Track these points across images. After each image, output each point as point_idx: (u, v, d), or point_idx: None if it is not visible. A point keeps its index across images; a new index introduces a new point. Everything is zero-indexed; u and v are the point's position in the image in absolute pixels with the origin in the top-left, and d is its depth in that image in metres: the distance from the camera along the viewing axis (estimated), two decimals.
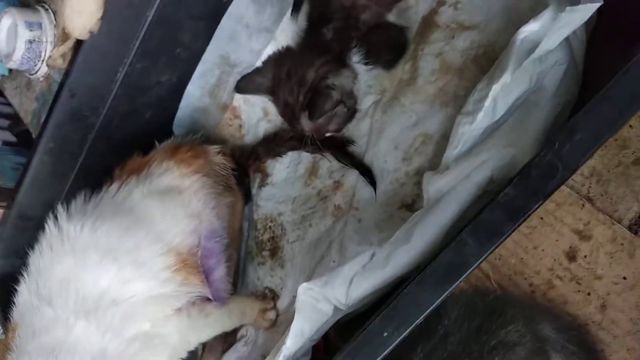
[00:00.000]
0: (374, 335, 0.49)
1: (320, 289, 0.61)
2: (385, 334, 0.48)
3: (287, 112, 0.80)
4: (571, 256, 0.67)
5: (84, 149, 0.92)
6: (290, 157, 0.94)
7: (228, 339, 0.96)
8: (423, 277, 0.47)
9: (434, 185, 0.62)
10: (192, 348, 0.81)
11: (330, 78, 0.75)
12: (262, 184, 0.97)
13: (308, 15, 0.80)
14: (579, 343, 0.63)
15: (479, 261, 0.45)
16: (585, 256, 0.67)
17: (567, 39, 0.53)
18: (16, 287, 0.76)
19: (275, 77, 0.80)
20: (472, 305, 0.62)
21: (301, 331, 0.60)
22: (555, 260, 0.69)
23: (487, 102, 0.53)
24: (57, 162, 0.95)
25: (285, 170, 0.95)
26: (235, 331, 0.96)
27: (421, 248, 0.57)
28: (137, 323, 0.72)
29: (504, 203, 0.45)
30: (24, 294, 0.73)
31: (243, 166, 0.96)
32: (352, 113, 0.79)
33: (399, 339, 0.47)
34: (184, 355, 0.80)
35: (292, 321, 0.86)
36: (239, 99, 0.97)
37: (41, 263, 0.73)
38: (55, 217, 0.76)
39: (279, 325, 0.90)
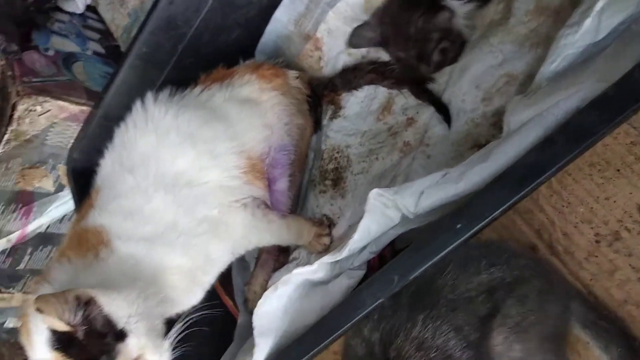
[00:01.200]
0: (445, 228, 0.51)
1: (391, 195, 0.63)
2: (458, 226, 0.49)
3: (402, 65, 0.85)
4: None
5: (173, 58, 0.97)
6: (365, 91, 0.95)
7: (280, 257, 1.01)
8: (504, 175, 0.48)
9: (517, 114, 0.62)
10: (250, 248, 0.86)
11: (429, 24, 0.78)
12: (334, 116, 0.99)
13: None
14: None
15: (565, 161, 0.45)
16: None
17: None
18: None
19: (384, 34, 0.84)
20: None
21: (368, 230, 0.63)
22: (626, 212, 0.68)
23: (598, 6, 0.52)
24: (146, 67, 1.00)
25: (359, 104, 0.96)
26: (288, 252, 1.00)
27: (498, 168, 0.56)
28: (207, 206, 0.77)
29: (601, 103, 0.44)
30: (108, 163, 0.80)
31: (318, 95, 0.99)
32: (461, 44, 0.81)
33: (470, 234, 0.48)
34: (242, 252, 0.85)
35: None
36: (322, 31, 0.99)
37: (126, 137, 0.80)
38: (142, 101, 0.83)
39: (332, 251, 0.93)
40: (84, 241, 0.70)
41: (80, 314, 0.59)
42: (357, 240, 0.63)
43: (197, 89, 0.88)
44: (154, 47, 0.95)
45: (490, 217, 0.48)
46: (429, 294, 0.56)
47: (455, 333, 0.57)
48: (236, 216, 0.80)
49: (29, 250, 1.28)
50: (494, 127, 0.77)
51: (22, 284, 1.31)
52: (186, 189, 0.76)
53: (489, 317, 0.58)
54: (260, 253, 0.98)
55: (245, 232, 0.81)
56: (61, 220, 1.28)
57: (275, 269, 0.99)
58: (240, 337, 0.98)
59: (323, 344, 0.58)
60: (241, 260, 1.07)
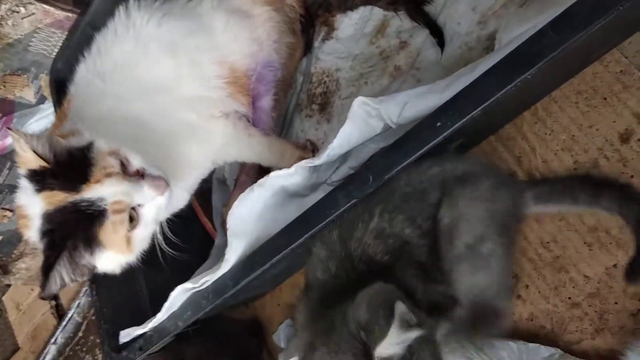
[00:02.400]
0: (425, 126, 0.50)
1: (376, 104, 0.62)
2: (438, 124, 0.49)
3: None
4: (625, 138, 0.67)
5: None
6: (360, 13, 0.93)
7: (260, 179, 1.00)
8: (489, 70, 0.47)
9: (510, 31, 0.61)
10: (229, 160, 0.86)
11: None
12: (327, 38, 0.97)
13: None
14: None
15: (556, 52, 0.44)
16: (639, 139, 0.66)
17: None
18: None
19: None
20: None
21: (349, 136, 0.62)
22: (607, 140, 0.68)
23: None
24: None
25: (353, 26, 0.94)
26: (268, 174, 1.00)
27: None
28: (185, 112, 0.76)
29: None
30: (82, 71, 0.78)
31: (311, 16, 0.96)
32: None
33: (452, 130, 0.48)
34: (221, 162, 0.85)
35: None
36: None
37: (102, 44, 0.78)
38: (126, 6, 0.79)
39: None
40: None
41: None
42: (337, 146, 0.62)
43: None
44: None
45: (471, 115, 0.47)
46: (385, 188, 0.56)
47: (410, 222, 0.58)
48: (216, 124, 0.79)
49: (8, 165, 1.26)
50: (487, 50, 0.76)
51: (1, 200, 1.30)
52: (163, 95, 0.75)
53: (439, 204, 0.59)
54: (239, 174, 0.98)
55: (224, 141, 0.81)
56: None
57: None
58: (216, 257, 0.99)
59: (296, 243, 0.58)
60: (221, 182, 1.07)
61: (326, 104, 0.96)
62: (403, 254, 0.56)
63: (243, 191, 0.98)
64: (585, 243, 0.68)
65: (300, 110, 0.99)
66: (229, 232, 0.67)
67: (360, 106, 0.63)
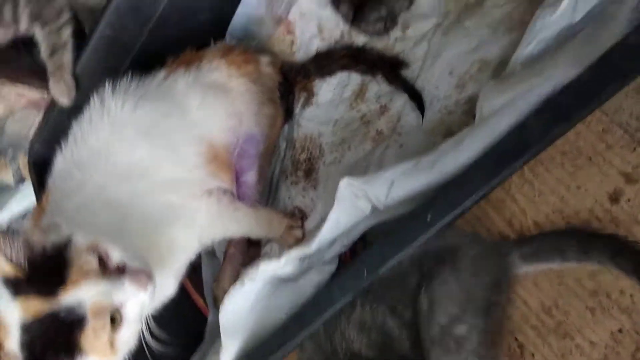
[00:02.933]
0: (415, 219, 0.49)
1: (362, 185, 0.60)
2: (428, 217, 0.47)
3: None
4: (614, 198, 0.66)
5: (139, 42, 0.93)
6: (338, 78, 0.93)
7: (250, 252, 0.98)
8: (475, 164, 0.46)
9: (490, 101, 0.60)
10: (217, 238, 0.83)
11: None
12: (307, 104, 0.97)
13: None
14: None
15: (538, 147, 0.44)
16: (628, 199, 0.65)
17: None
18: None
19: None
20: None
21: (337, 222, 0.61)
22: (597, 201, 0.67)
23: None
24: (110, 51, 0.96)
25: (331, 91, 0.94)
26: (258, 246, 0.98)
27: (471, 155, 0.54)
28: (166, 194, 0.74)
29: (578, 86, 0.43)
30: (59, 162, 0.77)
31: (290, 82, 0.96)
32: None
33: (441, 224, 0.47)
34: (209, 242, 0.82)
35: None
36: (294, 14, 0.96)
37: (78, 134, 0.77)
38: (100, 92, 0.79)
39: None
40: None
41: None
42: (326, 232, 0.60)
43: (161, 74, 0.84)
44: (119, 29, 0.90)
45: (461, 207, 0.46)
46: None
47: (391, 312, 0.56)
48: (199, 203, 0.78)
49: None
50: (467, 114, 0.76)
51: None
52: (142, 179, 0.73)
53: (419, 288, 0.57)
54: (228, 247, 0.96)
55: (210, 219, 0.79)
56: (24, 216, 1.23)
57: (245, 263, 0.96)
58: (211, 336, 0.95)
59: (291, 343, 0.56)
60: (211, 256, 1.04)
61: (311, 170, 0.95)
62: (386, 348, 0.54)
63: (233, 265, 0.97)
64: (587, 308, 0.66)
65: (285, 178, 0.98)
66: (222, 332, 0.64)
67: (346, 188, 0.62)
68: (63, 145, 0.79)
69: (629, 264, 0.59)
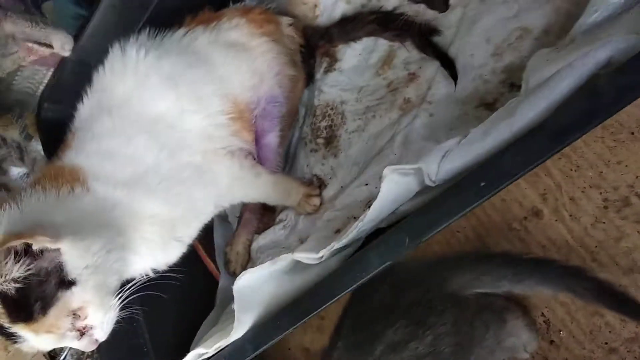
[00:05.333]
0: (468, 186, 0.46)
1: (412, 165, 0.57)
2: (482, 184, 0.45)
3: None
4: None
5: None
6: (364, 43, 0.90)
7: (264, 218, 0.96)
8: (537, 128, 0.43)
9: (540, 70, 0.57)
10: (235, 202, 0.82)
11: None
12: (329, 69, 0.93)
13: None
14: None
15: (613, 113, 0.41)
16: None
17: None
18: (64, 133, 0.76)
19: None
20: None
21: (380, 209, 0.58)
22: (638, 177, 0.65)
23: None
24: (125, 9, 0.92)
25: (356, 57, 0.91)
26: (273, 213, 0.96)
27: (527, 122, 0.51)
28: (190, 152, 0.72)
29: None
30: (86, 108, 0.74)
31: (312, 46, 0.93)
32: None
33: (493, 193, 0.44)
34: (226, 205, 0.81)
35: (336, 210, 0.85)
36: None
37: (104, 81, 0.74)
38: (120, 44, 0.76)
39: (321, 213, 0.88)
40: (60, 175, 0.64)
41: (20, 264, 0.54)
42: (367, 221, 0.57)
43: (181, 32, 0.81)
44: None
45: (517, 175, 0.44)
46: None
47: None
48: (222, 164, 0.75)
49: None
50: (503, 84, 0.73)
51: None
52: (167, 131, 0.71)
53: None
54: (243, 211, 0.93)
55: (230, 182, 0.77)
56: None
57: (260, 229, 0.94)
58: (222, 302, 0.94)
59: (323, 306, 0.53)
60: (223, 220, 1.02)
61: (332, 138, 0.92)
62: None
63: (247, 229, 0.95)
64: (620, 285, 0.65)
65: (304, 145, 0.95)
66: (236, 307, 0.62)
67: (392, 172, 0.58)
68: (88, 93, 0.75)
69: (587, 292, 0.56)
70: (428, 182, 0.56)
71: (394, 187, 0.56)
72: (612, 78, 0.42)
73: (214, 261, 1.00)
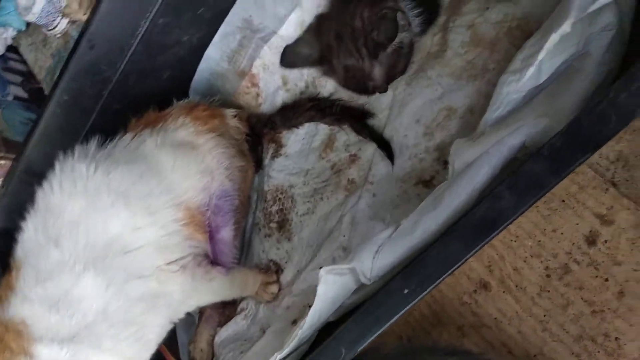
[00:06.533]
0: (394, 292, 0.47)
1: (346, 264, 0.58)
2: (406, 291, 0.46)
3: (352, 75, 0.75)
4: (591, 240, 0.66)
5: (98, 104, 0.90)
6: (306, 128, 0.92)
7: (226, 311, 0.95)
8: (452, 232, 0.45)
9: (462, 155, 0.60)
10: (190, 310, 0.80)
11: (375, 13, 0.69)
12: (276, 155, 0.95)
13: None
14: None
15: (515, 216, 0.43)
16: (605, 241, 0.65)
17: (617, 3, 0.51)
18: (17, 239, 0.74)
19: (324, 46, 0.75)
20: None
21: (319, 312, 0.58)
22: (574, 244, 0.67)
23: (541, 55, 0.50)
24: (69, 116, 0.93)
25: (300, 142, 0.93)
26: (234, 304, 0.95)
27: (451, 212, 0.53)
28: (143, 279, 0.69)
29: (549, 154, 0.42)
30: (30, 230, 0.71)
31: (258, 134, 0.95)
32: (412, 45, 0.75)
33: (421, 297, 0.45)
34: (182, 316, 0.78)
35: (294, 296, 0.85)
36: (258, 67, 0.95)
37: (51, 200, 0.71)
38: (67, 157, 0.74)
39: (280, 299, 0.88)
40: (2, 344, 0.62)
41: None
42: (307, 328, 0.57)
43: (127, 137, 0.81)
44: (76, 93, 0.88)
45: (439, 279, 0.45)
46: None
47: None
48: (175, 281, 0.73)
49: None
50: (437, 161, 0.75)
51: None
52: (120, 259, 0.68)
53: None
54: (204, 308, 0.92)
55: (184, 296, 0.75)
56: None
57: (222, 323, 0.93)
58: None
59: None
60: (185, 316, 1.00)
61: (284, 222, 0.92)
62: None
63: (209, 325, 0.93)
64: (573, 354, 0.65)
65: (258, 230, 0.96)
66: None
67: (328, 273, 0.59)
68: (32, 212, 0.73)
69: None
70: (364, 281, 0.56)
71: (332, 287, 0.57)
72: (512, 185, 0.44)
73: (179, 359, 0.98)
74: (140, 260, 0.70)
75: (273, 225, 0.94)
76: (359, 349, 0.47)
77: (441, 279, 0.45)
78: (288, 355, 0.60)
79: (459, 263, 0.44)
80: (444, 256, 0.45)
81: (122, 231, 0.69)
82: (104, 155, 0.76)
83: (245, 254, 0.96)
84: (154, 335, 0.72)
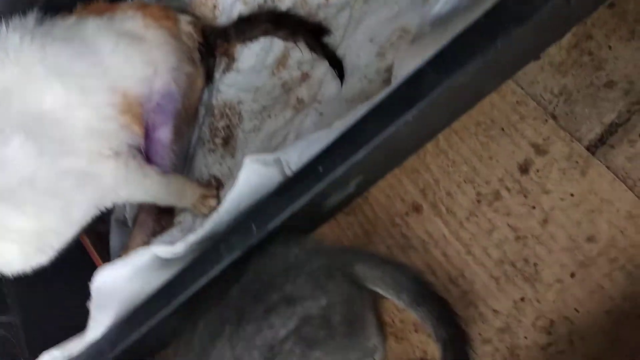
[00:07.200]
0: (309, 170, 0.46)
1: (272, 154, 0.56)
2: (320, 169, 0.44)
3: None
4: (524, 169, 0.66)
5: None
6: (261, 44, 0.89)
7: (162, 221, 0.93)
8: (369, 112, 0.44)
9: (405, 67, 0.58)
10: (119, 201, 0.79)
11: None
12: (227, 69, 0.92)
13: None
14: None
15: (435, 93, 0.41)
16: (537, 170, 0.65)
17: None
18: None
19: None
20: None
21: (239, 200, 0.56)
22: (507, 171, 0.67)
23: None
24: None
25: (254, 57, 0.90)
26: (171, 215, 0.93)
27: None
28: (74, 155, 0.68)
29: (471, 32, 0.41)
30: None
31: (211, 46, 0.91)
32: None
33: (333, 176, 0.44)
34: (109, 205, 0.76)
35: None
36: None
37: None
38: (2, 26, 0.70)
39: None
40: None
41: None
42: (224, 213, 0.56)
43: (70, 19, 0.77)
44: None
45: (351, 158, 0.44)
46: None
47: None
48: (107, 165, 0.72)
49: None
50: (387, 83, 0.74)
51: None
52: (52, 131, 0.66)
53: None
54: (139, 212, 0.90)
55: (114, 183, 0.73)
56: None
57: (157, 232, 0.91)
58: None
59: (175, 303, 0.51)
60: (120, 223, 0.98)
61: (229, 137, 0.90)
62: None
63: (143, 232, 0.91)
64: (492, 277, 0.66)
65: (202, 144, 0.93)
66: (92, 305, 0.59)
67: (252, 162, 0.57)
68: None
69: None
70: (288, 172, 0.55)
71: (254, 177, 0.55)
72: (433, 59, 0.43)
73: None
74: (73, 139, 0.68)
75: (218, 140, 0.92)
76: (271, 228, 0.46)
77: (354, 157, 0.43)
78: (203, 240, 0.59)
79: (373, 141, 0.43)
80: (358, 135, 0.44)
81: (55, 107, 0.67)
82: (42, 31, 0.72)
83: (188, 167, 0.94)
84: (79, 216, 0.70)
